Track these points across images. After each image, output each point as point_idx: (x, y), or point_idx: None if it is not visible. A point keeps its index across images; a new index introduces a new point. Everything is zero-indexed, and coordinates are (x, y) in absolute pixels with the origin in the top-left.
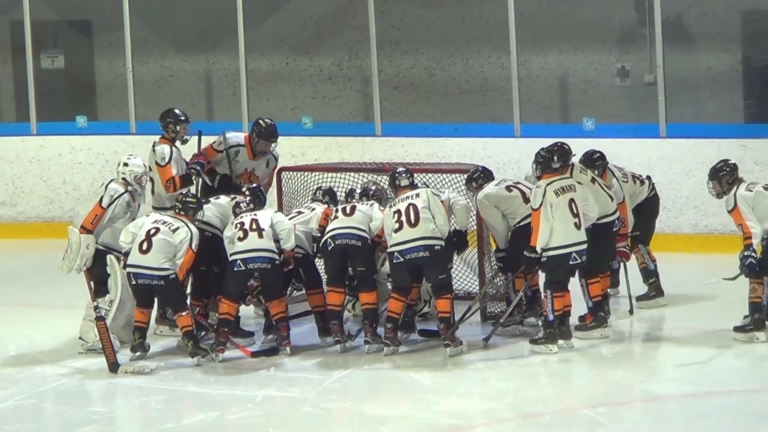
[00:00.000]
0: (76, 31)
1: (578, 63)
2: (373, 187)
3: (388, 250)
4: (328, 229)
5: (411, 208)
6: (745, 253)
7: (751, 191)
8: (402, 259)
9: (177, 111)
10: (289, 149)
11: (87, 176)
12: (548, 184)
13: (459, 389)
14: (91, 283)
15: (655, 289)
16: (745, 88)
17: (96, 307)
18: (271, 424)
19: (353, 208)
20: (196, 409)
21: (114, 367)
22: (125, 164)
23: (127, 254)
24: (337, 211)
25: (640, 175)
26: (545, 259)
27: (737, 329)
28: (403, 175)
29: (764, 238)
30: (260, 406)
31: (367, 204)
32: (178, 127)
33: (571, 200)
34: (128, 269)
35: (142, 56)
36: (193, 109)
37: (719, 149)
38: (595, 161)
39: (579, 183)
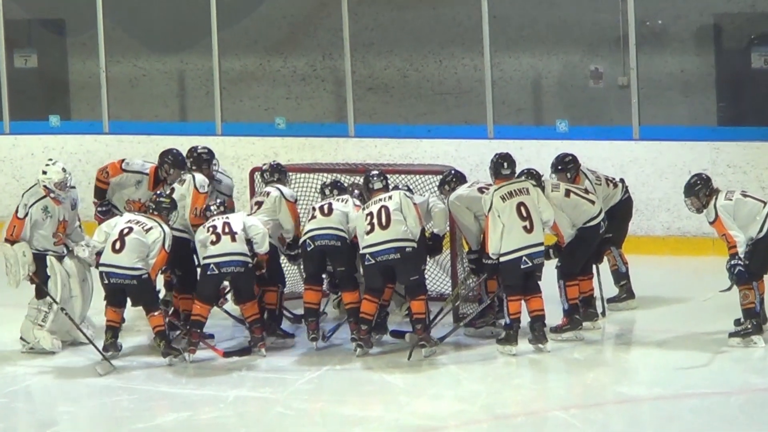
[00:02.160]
0: (50, 30)
1: (551, 65)
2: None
3: (360, 252)
4: (306, 229)
5: (383, 210)
6: (732, 263)
7: (731, 200)
8: (373, 261)
9: (180, 156)
10: (262, 150)
11: None
12: (495, 190)
13: (431, 390)
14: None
15: (626, 292)
16: (717, 91)
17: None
18: (243, 424)
19: (330, 208)
20: (168, 409)
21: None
22: (44, 172)
23: (99, 253)
24: (314, 209)
25: (614, 178)
26: (500, 264)
27: (733, 335)
28: (377, 178)
29: (749, 244)
30: (232, 407)
31: (341, 200)
32: (171, 171)
33: (520, 204)
34: (101, 268)
35: (116, 56)
36: (166, 109)
37: (692, 152)
38: (567, 164)
39: (533, 186)
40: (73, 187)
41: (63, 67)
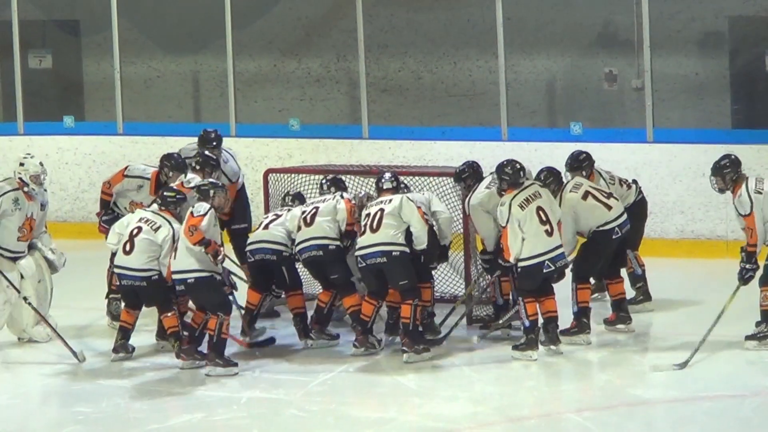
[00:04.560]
0: (64, 31)
1: (566, 67)
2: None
3: (355, 254)
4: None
5: (378, 213)
6: (747, 266)
7: (761, 192)
8: (364, 264)
9: (180, 159)
10: (276, 151)
11: (74, 176)
12: (512, 199)
13: (445, 393)
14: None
15: (642, 294)
16: (732, 93)
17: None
18: (256, 426)
19: (313, 217)
20: (182, 411)
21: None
22: (21, 164)
23: (114, 255)
24: (301, 220)
25: (627, 180)
26: (519, 269)
27: (749, 338)
28: (387, 178)
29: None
30: (245, 408)
31: (332, 196)
32: (171, 174)
33: (539, 208)
34: (115, 270)
35: (130, 57)
36: (180, 110)
37: (706, 155)
38: (581, 162)
39: (540, 187)
40: (45, 190)
41: (77, 67)
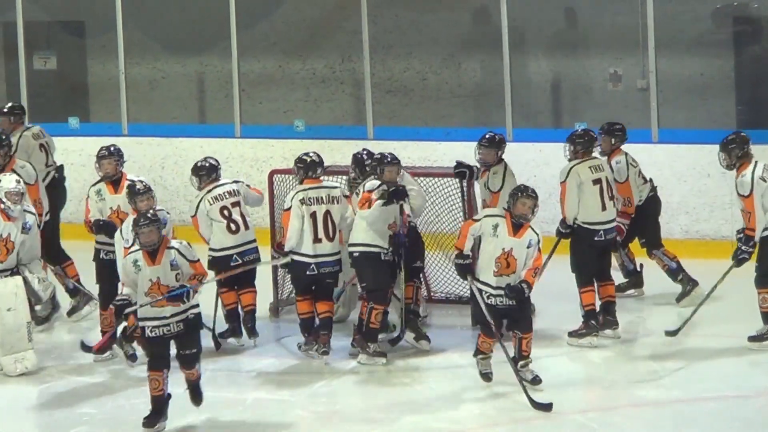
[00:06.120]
0: (69, 32)
1: (571, 68)
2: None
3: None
4: None
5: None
6: (743, 248)
7: (765, 180)
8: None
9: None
10: (280, 152)
11: (79, 177)
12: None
13: (451, 394)
14: None
15: (688, 282)
16: (737, 94)
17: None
18: (261, 427)
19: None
20: (187, 412)
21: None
22: None
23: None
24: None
25: (644, 176)
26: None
27: (752, 339)
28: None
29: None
30: (251, 409)
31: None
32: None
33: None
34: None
35: (135, 58)
36: (185, 111)
37: (711, 155)
38: (615, 130)
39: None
40: (33, 213)
41: (82, 69)
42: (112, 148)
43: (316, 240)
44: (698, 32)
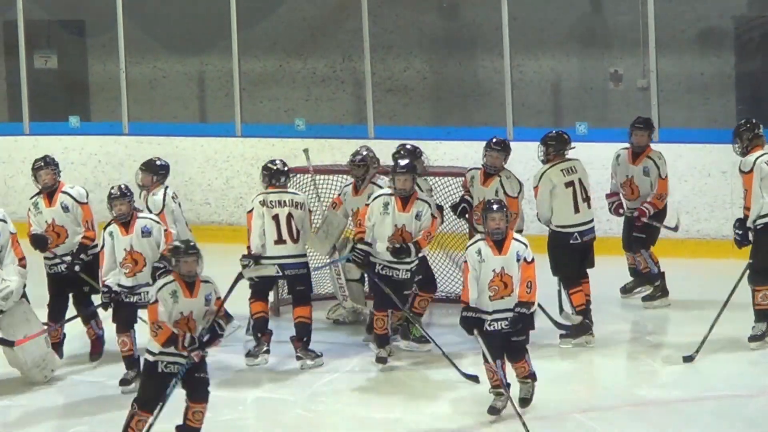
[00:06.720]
0: (70, 31)
1: (571, 67)
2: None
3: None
4: None
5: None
6: (737, 232)
7: None
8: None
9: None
10: (281, 151)
11: (79, 177)
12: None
13: (450, 393)
14: None
15: (661, 290)
16: (737, 93)
17: None
18: (261, 426)
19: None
20: None
21: None
22: None
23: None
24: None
25: None
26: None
27: (752, 338)
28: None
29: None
30: (251, 408)
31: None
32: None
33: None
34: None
35: (136, 57)
36: (185, 110)
37: (711, 154)
38: (650, 125)
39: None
40: (4, 220)
41: (83, 68)
42: (47, 158)
43: (280, 241)
44: (698, 31)
